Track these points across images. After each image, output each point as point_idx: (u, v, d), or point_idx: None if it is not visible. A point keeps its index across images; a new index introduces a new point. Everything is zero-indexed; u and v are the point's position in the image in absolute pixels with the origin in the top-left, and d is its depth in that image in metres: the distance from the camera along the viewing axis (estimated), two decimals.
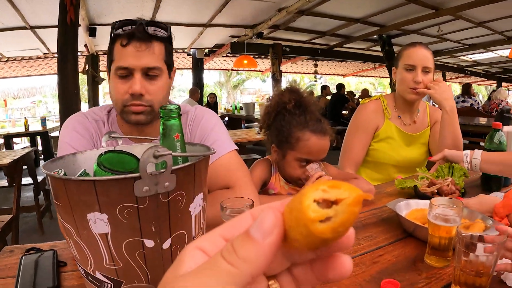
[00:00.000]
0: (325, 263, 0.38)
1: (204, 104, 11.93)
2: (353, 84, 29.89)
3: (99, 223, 0.83)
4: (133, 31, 1.46)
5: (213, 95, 12.94)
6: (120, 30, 1.48)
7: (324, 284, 0.39)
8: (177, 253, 0.93)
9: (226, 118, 12.79)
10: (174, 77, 1.68)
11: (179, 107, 0.99)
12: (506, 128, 2.57)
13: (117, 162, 1.02)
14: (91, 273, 0.92)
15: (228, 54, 13.13)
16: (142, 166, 0.78)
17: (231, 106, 14.32)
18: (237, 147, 1.72)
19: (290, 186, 2.12)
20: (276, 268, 0.39)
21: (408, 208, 1.65)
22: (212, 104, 12.52)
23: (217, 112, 12.56)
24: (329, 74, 21.57)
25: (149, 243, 0.87)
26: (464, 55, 14.60)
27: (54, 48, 7.15)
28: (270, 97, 2.15)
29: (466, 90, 10.58)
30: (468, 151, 2.10)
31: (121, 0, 7.24)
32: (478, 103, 10.52)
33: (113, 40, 1.52)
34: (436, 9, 8.12)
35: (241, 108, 12.61)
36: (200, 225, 0.99)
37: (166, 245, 0.90)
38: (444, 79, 19.20)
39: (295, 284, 0.39)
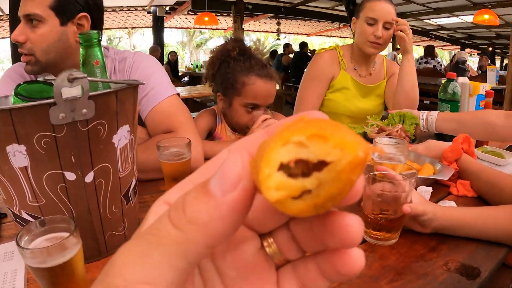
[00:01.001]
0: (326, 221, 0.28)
1: (164, 63, 11.74)
2: (317, 45, 29.83)
3: (18, 156, 0.80)
4: None
5: (174, 53, 12.72)
6: None
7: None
8: (101, 188, 0.90)
9: (186, 78, 12.64)
10: (85, 25, 1.55)
11: (98, 33, 0.94)
12: (460, 79, 2.59)
13: (36, 92, 0.97)
14: (18, 213, 0.89)
15: (189, 12, 12.89)
16: (56, 91, 0.74)
17: (191, 64, 14.16)
18: (178, 92, 1.69)
19: (237, 135, 2.11)
20: (270, 223, 0.31)
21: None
22: (173, 63, 12.32)
23: (178, 71, 12.44)
24: (293, 33, 21.52)
25: (70, 176, 0.84)
26: (429, 19, 14.63)
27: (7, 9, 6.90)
28: (214, 49, 2.11)
29: (429, 51, 10.65)
30: (425, 111, 2.10)
31: None
32: (441, 65, 10.64)
33: None
34: None
35: (201, 66, 12.49)
36: (127, 159, 0.96)
37: (89, 178, 0.86)
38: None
39: (297, 246, 0.31)
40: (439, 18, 14.49)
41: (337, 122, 0.23)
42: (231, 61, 1.96)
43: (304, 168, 0.23)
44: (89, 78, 0.77)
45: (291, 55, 12.51)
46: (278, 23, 15.17)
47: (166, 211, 0.26)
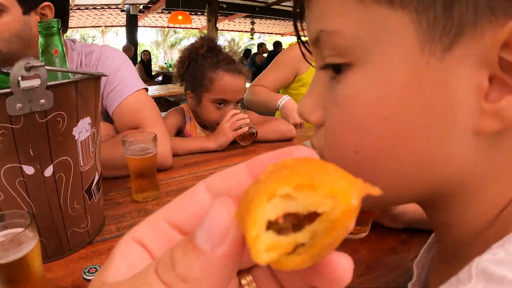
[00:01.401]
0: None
1: (138, 62, 11.64)
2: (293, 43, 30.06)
3: None
4: None
5: (147, 52, 12.61)
6: None
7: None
8: (62, 183, 0.87)
9: (160, 78, 12.55)
10: (49, 15, 1.47)
11: (58, 21, 0.91)
12: None
13: None
14: None
15: (163, 10, 12.82)
16: (12, 80, 0.71)
17: (165, 64, 14.07)
18: (146, 86, 1.65)
19: (207, 132, 2.09)
20: (249, 260, 0.28)
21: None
22: (146, 62, 12.22)
23: (151, 70, 12.35)
24: (267, 33, 21.56)
25: (29, 169, 0.80)
26: None
27: None
28: (184, 48, 2.11)
29: None
30: None
31: None
32: None
33: None
34: None
35: (175, 65, 12.43)
36: (89, 153, 0.93)
37: (48, 172, 0.83)
38: None
39: (278, 285, 0.29)
40: None
41: (325, 162, 0.22)
42: (200, 58, 1.95)
43: (294, 219, 0.22)
44: (47, 67, 0.74)
45: (265, 55, 12.54)
46: (252, 23, 15.19)
47: (150, 266, 0.24)
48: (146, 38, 29.50)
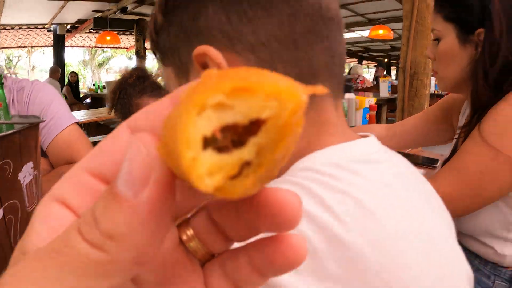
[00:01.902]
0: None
1: (65, 84, 11.37)
2: None
3: None
4: None
5: (74, 74, 12.30)
6: None
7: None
8: (11, 224, 0.92)
9: (88, 100, 12.28)
10: None
11: (1, 75, 0.97)
12: (347, 95, 2.80)
13: None
14: None
15: (91, 30, 12.58)
16: None
17: (93, 85, 13.80)
18: (77, 120, 1.69)
19: None
20: (186, 203, 0.25)
21: None
22: (74, 83, 11.92)
23: (79, 92, 12.06)
24: None
25: None
26: None
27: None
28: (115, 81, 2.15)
29: None
30: None
31: None
32: None
33: None
34: None
35: (103, 87, 12.19)
36: (33, 195, 0.98)
37: None
38: None
39: (222, 236, 0.25)
40: None
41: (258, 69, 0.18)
42: (128, 88, 2.00)
43: (233, 134, 0.18)
44: None
45: None
46: None
47: (73, 225, 0.20)
48: (73, 57, 28.75)
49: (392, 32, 9.96)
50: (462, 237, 1.44)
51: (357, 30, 14.02)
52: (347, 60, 28.15)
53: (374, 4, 9.36)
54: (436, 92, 7.68)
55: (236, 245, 0.26)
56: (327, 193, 0.50)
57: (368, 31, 10.43)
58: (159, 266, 0.24)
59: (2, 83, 0.98)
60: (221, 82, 0.17)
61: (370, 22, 11.70)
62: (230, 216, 0.24)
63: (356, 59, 23.63)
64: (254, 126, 0.17)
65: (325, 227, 0.46)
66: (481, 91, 1.27)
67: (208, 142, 0.17)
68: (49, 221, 0.22)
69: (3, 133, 0.85)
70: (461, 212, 1.29)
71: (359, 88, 9.70)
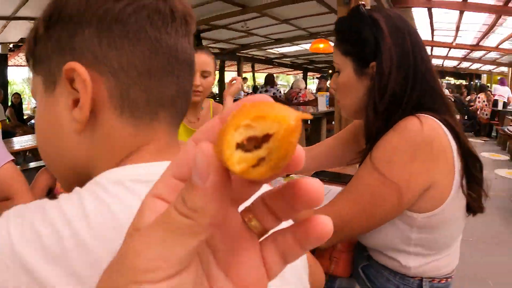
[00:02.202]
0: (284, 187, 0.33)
1: (8, 106, 11.07)
2: None
3: None
4: None
5: (17, 95, 12.00)
6: None
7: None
8: None
9: (33, 121, 11.94)
10: None
11: None
12: None
13: None
14: None
15: None
16: None
17: (35, 107, 13.42)
18: (13, 158, 1.69)
19: None
20: (245, 193, 0.36)
21: None
22: (17, 105, 11.66)
23: (23, 114, 11.77)
24: None
25: None
26: (271, 48, 15.60)
27: None
28: None
29: (269, 80, 11.14)
30: None
31: None
32: (280, 92, 11.20)
33: None
34: (242, 7, 8.56)
35: None
36: None
37: None
38: (254, 70, 21.24)
39: (273, 217, 0.36)
40: (281, 47, 15.54)
41: (273, 102, 0.30)
42: None
43: (255, 142, 0.28)
44: None
45: None
46: None
47: (170, 206, 0.31)
48: (18, 76, 28.21)
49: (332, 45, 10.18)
50: (372, 252, 1.56)
51: (300, 44, 14.41)
52: (293, 72, 29.03)
53: (315, 18, 9.66)
54: None
55: (283, 225, 0.35)
56: (92, 202, 0.57)
57: (310, 44, 10.76)
58: (228, 238, 0.36)
59: None
60: (250, 111, 0.28)
61: (312, 36, 12.10)
62: (279, 200, 0.34)
63: (301, 71, 24.42)
64: (266, 137, 0.28)
65: (77, 233, 0.53)
66: (372, 120, 1.39)
67: (240, 146, 0.28)
68: (152, 208, 0.33)
69: None
70: (361, 230, 1.42)
71: (301, 101, 9.93)
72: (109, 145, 0.68)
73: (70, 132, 0.67)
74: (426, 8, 9.79)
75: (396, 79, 1.33)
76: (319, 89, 12.40)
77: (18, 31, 9.56)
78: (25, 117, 11.92)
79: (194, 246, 0.31)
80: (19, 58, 14.46)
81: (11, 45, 11.82)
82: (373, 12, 1.41)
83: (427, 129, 1.27)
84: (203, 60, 2.65)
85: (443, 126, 1.31)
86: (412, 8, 9.69)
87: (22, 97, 12.91)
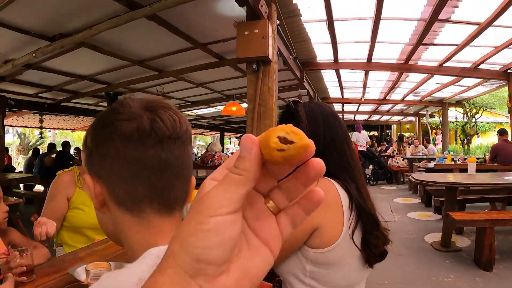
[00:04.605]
0: (301, 169, 0.49)
1: None
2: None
3: None
4: None
5: None
6: None
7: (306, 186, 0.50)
8: None
9: None
10: None
11: None
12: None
13: None
14: None
15: None
16: None
17: None
18: None
19: None
20: (266, 185, 0.51)
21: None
22: None
23: None
24: (58, 128, 20.82)
25: None
26: (188, 110, 15.84)
27: None
28: None
29: None
30: None
31: None
32: (196, 155, 11.07)
33: None
34: (160, 71, 8.80)
35: None
36: None
37: None
38: None
39: (286, 197, 0.50)
40: (198, 109, 15.91)
41: (293, 127, 0.46)
42: None
43: (285, 141, 0.44)
44: None
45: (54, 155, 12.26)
46: (41, 120, 14.54)
47: (228, 171, 0.46)
48: None
49: (245, 108, 10.35)
50: (283, 278, 1.81)
51: (216, 106, 14.81)
52: (210, 133, 28.93)
53: (229, 82, 9.97)
54: None
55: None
56: (145, 268, 0.82)
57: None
58: (255, 213, 0.51)
59: None
60: (285, 128, 0.45)
61: (227, 98, 12.42)
62: (293, 182, 0.50)
63: (219, 131, 24.67)
64: (291, 142, 0.44)
65: None
66: None
67: (278, 138, 0.44)
68: (211, 184, 0.47)
69: None
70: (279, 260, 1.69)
71: (216, 164, 10.04)
72: (120, 224, 0.97)
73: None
74: (334, 70, 10.50)
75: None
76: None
77: None
78: None
79: (244, 193, 0.45)
80: None
81: None
82: (298, 104, 1.87)
83: (319, 185, 1.64)
84: None
85: (336, 185, 1.68)
86: (322, 70, 10.33)
87: None
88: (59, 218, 2.84)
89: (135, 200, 0.93)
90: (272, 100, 4.43)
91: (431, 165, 10.64)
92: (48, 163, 12.00)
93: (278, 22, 4.84)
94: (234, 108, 9.69)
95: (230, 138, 34.56)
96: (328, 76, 11.54)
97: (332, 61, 9.91)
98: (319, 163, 0.47)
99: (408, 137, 20.47)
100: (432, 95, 15.07)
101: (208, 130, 24.93)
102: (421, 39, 7.86)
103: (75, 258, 2.38)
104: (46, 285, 1.92)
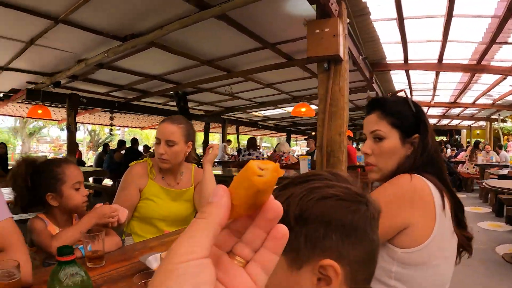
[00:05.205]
0: (260, 214, 0.53)
1: None
2: (153, 136, 30.05)
3: None
4: None
5: (2, 145, 12.05)
6: None
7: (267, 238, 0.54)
8: None
9: None
10: None
11: None
12: None
13: None
14: None
15: (23, 101, 12.35)
16: None
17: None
18: (12, 215, 1.76)
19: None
20: (229, 243, 0.55)
21: (158, 261, 1.90)
22: (2, 155, 11.71)
23: (7, 164, 11.65)
24: (127, 126, 21.35)
25: None
26: (256, 111, 15.98)
27: None
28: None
29: (252, 144, 11.35)
30: None
31: None
32: (263, 155, 11.18)
33: None
34: (228, 72, 8.80)
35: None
36: None
37: None
38: (238, 132, 20.99)
39: (250, 249, 0.54)
40: (265, 110, 15.89)
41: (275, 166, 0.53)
42: (34, 176, 2.29)
43: (261, 168, 0.50)
44: None
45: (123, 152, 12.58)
46: (111, 118, 15.16)
47: (197, 215, 0.51)
48: (3, 123, 27.93)
49: (314, 109, 10.37)
50: None
51: (283, 107, 14.77)
52: (277, 134, 29.06)
53: (297, 83, 9.96)
54: None
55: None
56: None
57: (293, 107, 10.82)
58: (223, 269, 0.52)
59: None
60: (261, 163, 0.51)
61: (295, 99, 12.38)
62: (255, 230, 0.54)
63: (285, 133, 24.50)
64: (266, 169, 0.51)
65: None
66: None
67: (256, 167, 0.51)
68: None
69: None
70: None
71: (284, 165, 10.02)
72: None
73: None
74: (404, 71, 10.15)
75: (433, 147, 1.78)
76: (308, 150, 12.76)
77: (9, 81, 9.69)
78: (9, 168, 11.71)
79: (211, 236, 0.49)
80: (8, 108, 14.38)
81: (1, 94, 11.84)
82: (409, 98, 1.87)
83: (414, 182, 1.64)
84: (169, 130, 2.87)
85: (428, 183, 1.65)
86: (391, 71, 10.02)
87: (7, 146, 12.90)
88: (130, 208, 2.87)
89: (367, 279, 0.99)
90: (343, 100, 4.30)
91: (504, 172, 10.17)
92: (117, 159, 12.34)
93: (348, 20, 4.70)
94: (303, 109, 9.74)
95: (296, 140, 34.48)
96: (397, 78, 11.16)
97: (402, 62, 9.53)
98: (276, 204, 0.53)
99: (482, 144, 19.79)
100: (505, 98, 14.36)
101: (274, 132, 25.13)
102: (495, 37, 7.40)
103: (146, 248, 2.41)
104: (117, 271, 1.93)
